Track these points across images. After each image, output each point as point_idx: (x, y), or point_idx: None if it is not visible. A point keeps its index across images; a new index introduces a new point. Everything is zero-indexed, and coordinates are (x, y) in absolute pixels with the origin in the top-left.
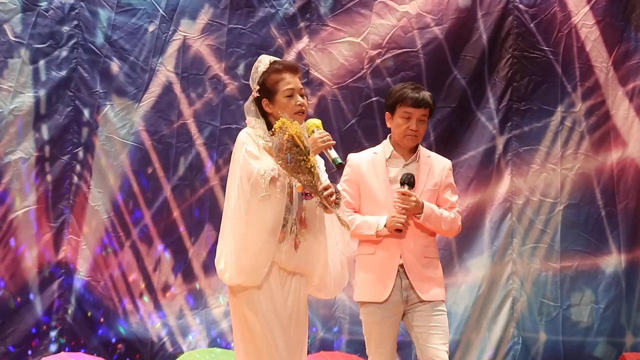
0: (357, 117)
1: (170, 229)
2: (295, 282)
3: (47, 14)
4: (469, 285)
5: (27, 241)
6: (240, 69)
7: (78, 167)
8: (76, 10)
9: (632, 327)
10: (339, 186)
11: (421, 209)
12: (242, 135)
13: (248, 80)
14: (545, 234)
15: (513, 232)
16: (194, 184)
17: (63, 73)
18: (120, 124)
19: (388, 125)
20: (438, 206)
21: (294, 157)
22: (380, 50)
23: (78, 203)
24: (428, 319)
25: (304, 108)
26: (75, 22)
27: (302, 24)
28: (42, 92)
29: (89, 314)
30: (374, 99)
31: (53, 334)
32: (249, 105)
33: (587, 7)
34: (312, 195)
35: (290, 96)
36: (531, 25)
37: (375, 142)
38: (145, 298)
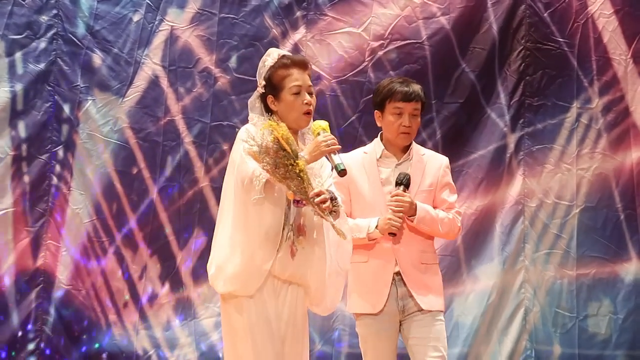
0: (357, 113)
1: (156, 234)
2: (292, 292)
3: (24, 3)
4: (478, 295)
5: (2, 247)
6: (232, 62)
7: (58, 167)
8: None
9: None
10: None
11: (414, 211)
12: (242, 133)
13: (240, 74)
14: (560, 239)
15: (525, 237)
16: (183, 186)
17: (41, 66)
18: (103, 120)
19: (379, 124)
20: (435, 207)
21: (280, 161)
22: (382, 41)
23: (58, 206)
24: (427, 330)
25: (311, 107)
26: (55, 12)
27: (298, 14)
28: (18, 87)
29: (70, 325)
30: None
31: (31, 346)
32: (253, 102)
33: None
34: (304, 202)
35: (297, 94)
36: (545, 14)
37: None
38: (130, 308)
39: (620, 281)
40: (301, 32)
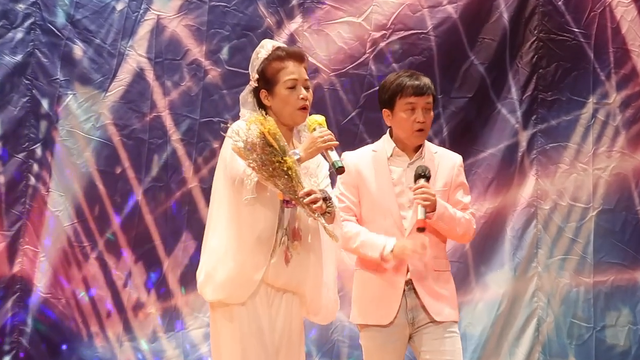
0: (358, 108)
1: (142, 238)
2: (287, 301)
3: None
4: (488, 304)
5: None
6: (224, 53)
7: (35, 167)
8: None
9: None
10: (335, 190)
11: (434, 206)
12: (234, 129)
13: (232, 66)
14: (576, 244)
15: (538, 242)
16: (170, 186)
17: (18, 58)
18: (85, 116)
19: (388, 123)
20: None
21: (267, 158)
22: (384, 32)
23: (35, 208)
24: (439, 342)
25: (307, 103)
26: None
27: (294, 2)
28: None
29: (49, 336)
30: (377, 88)
31: (7, 359)
32: (245, 96)
33: None
34: (294, 202)
35: (293, 88)
36: (559, 2)
37: (378, 136)
38: (114, 318)
39: None
40: (297, 21)
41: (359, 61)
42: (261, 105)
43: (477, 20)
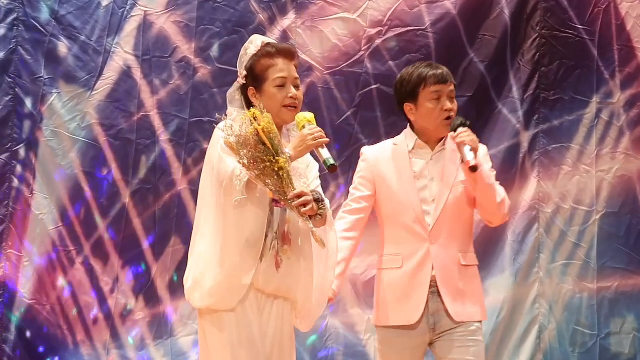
0: (353, 108)
1: (130, 243)
2: (277, 307)
3: None
4: (488, 310)
5: None
6: (214, 51)
7: (19, 168)
8: None
9: None
10: (351, 188)
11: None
12: (219, 132)
13: (223, 64)
14: (579, 249)
15: (540, 247)
16: (158, 188)
17: (0, 55)
18: (70, 116)
19: (412, 117)
20: (474, 201)
21: (259, 156)
22: (380, 28)
23: (19, 211)
24: (464, 350)
25: (296, 102)
26: None
27: None
28: None
29: (33, 344)
30: (373, 86)
31: None
32: (232, 94)
33: None
34: (283, 203)
35: (282, 86)
36: None
37: (374, 137)
38: (100, 325)
39: None
40: (290, 17)
41: (354, 59)
42: (249, 104)
43: (477, 17)
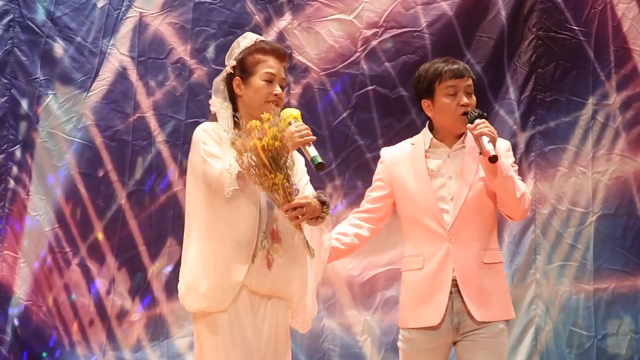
0: (349, 109)
1: (125, 244)
2: (272, 307)
3: None
4: None
5: None
6: (210, 52)
7: (15, 169)
8: None
9: None
10: (367, 191)
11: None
12: (198, 134)
13: (218, 65)
14: (576, 250)
15: (537, 248)
16: (154, 190)
17: None
18: (66, 117)
19: (430, 114)
20: (495, 198)
21: (257, 170)
22: (376, 29)
23: (15, 212)
24: (485, 353)
25: (280, 101)
26: None
27: None
28: None
29: (29, 345)
30: (369, 87)
31: None
32: (218, 83)
33: None
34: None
35: (269, 82)
36: None
37: (371, 138)
38: (97, 326)
39: None
40: (287, 18)
41: (350, 60)
42: (232, 95)
43: (474, 18)
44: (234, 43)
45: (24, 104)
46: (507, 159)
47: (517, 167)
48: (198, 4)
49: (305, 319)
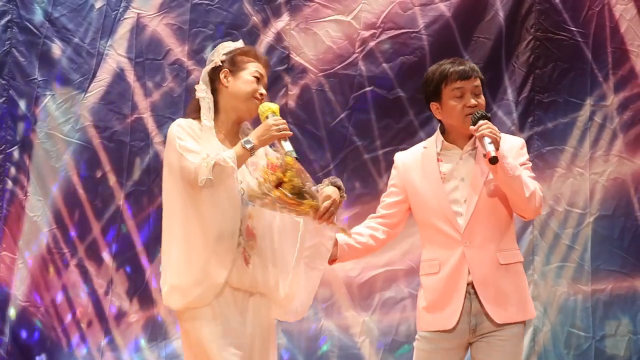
0: (347, 110)
1: (124, 245)
2: (255, 303)
3: None
4: None
5: None
6: (207, 53)
7: (13, 170)
8: None
9: None
10: (382, 196)
11: (498, 146)
12: (173, 130)
13: None
14: (573, 251)
15: (534, 249)
16: (152, 190)
17: None
18: (63, 118)
19: (438, 117)
20: (508, 198)
21: (289, 208)
22: (374, 30)
23: (13, 213)
24: (501, 356)
25: (264, 100)
26: None
27: None
28: None
29: (27, 346)
30: (367, 88)
31: None
32: (205, 76)
33: None
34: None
35: (256, 81)
36: (556, 0)
37: (369, 139)
38: (95, 327)
39: None
40: (284, 19)
41: (348, 61)
42: (213, 88)
43: (472, 19)
44: (223, 43)
45: (22, 104)
46: (520, 157)
47: (530, 164)
48: (195, 5)
49: (294, 311)
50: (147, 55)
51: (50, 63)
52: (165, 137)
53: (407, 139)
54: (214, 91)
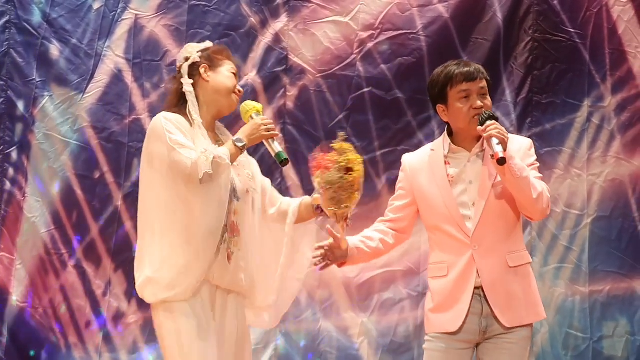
0: (345, 111)
1: (122, 245)
2: (232, 302)
3: None
4: None
5: None
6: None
7: (11, 171)
8: None
9: None
10: (391, 199)
11: (506, 147)
12: (161, 122)
13: None
14: (571, 252)
15: (533, 250)
16: None
17: None
18: (62, 119)
19: (445, 119)
20: (516, 200)
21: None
22: (372, 31)
23: (11, 214)
24: (507, 355)
25: (240, 97)
26: None
27: (279, 0)
28: None
29: (25, 347)
30: (365, 89)
31: None
32: (186, 71)
33: None
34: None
35: (234, 76)
36: (554, 2)
37: (367, 140)
38: (93, 329)
39: (638, 299)
40: (283, 20)
41: (346, 62)
42: (193, 83)
43: (470, 20)
44: (187, 44)
45: (20, 105)
46: (528, 158)
47: (537, 165)
48: (193, 7)
49: (272, 316)
50: (144, 56)
51: (48, 64)
52: None
53: (405, 140)
54: (194, 86)
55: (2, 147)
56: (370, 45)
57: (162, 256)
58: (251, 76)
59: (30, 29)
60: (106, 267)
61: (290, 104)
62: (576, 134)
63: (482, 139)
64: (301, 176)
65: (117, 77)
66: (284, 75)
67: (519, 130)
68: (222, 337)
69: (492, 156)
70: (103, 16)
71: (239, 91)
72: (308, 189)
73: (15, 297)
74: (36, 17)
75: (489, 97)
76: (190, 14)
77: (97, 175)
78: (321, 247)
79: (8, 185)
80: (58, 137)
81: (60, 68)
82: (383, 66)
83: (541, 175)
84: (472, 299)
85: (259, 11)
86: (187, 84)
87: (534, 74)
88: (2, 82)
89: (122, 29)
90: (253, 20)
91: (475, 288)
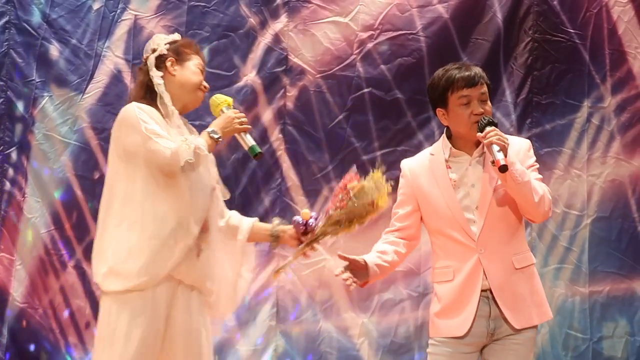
0: (345, 111)
1: None
2: (195, 299)
3: None
4: None
5: None
6: (204, 55)
7: (10, 171)
8: None
9: None
10: (394, 207)
11: (506, 153)
12: (135, 112)
13: (212, 68)
14: (571, 253)
15: (533, 250)
16: None
17: None
18: (61, 119)
19: (445, 123)
20: (517, 204)
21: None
22: (372, 32)
23: (11, 214)
24: (512, 356)
25: (207, 92)
26: None
27: (279, 1)
28: None
29: (25, 348)
30: (365, 90)
31: None
32: (153, 63)
33: None
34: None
35: (200, 72)
36: (554, 2)
37: (367, 140)
38: (93, 329)
39: (637, 299)
40: (282, 21)
41: (346, 62)
42: (158, 69)
43: (470, 20)
44: (155, 36)
45: (20, 106)
46: (528, 159)
47: (537, 166)
48: (192, 7)
49: (221, 314)
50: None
51: (48, 64)
52: None
53: (405, 140)
54: (159, 69)
55: (2, 147)
56: (370, 45)
57: (128, 247)
58: (251, 77)
59: (30, 29)
60: None
61: (290, 105)
62: (576, 134)
63: (482, 144)
64: (301, 177)
65: (116, 78)
66: (284, 76)
67: (519, 131)
68: (172, 331)
69: (493, 162)
70: (103, 17)
71: (205, 87)
72: (308, 190)
73: (15, 297)
74: (36, 18)
75: (489, 102)
76: (189, 15)
77: (96, 175)
78: (344, 271)
79: (8, 185)
80: (58, 137)
81: (60, 68)
82: (383, 67)
83: (541, 176)
84: (479, 302)
85: (258, 12)
86: (157, 76)
87: (534, 75)
88: (1, 83)
89: (121, 30)
90: (252, 20)
91: (482, 291)
